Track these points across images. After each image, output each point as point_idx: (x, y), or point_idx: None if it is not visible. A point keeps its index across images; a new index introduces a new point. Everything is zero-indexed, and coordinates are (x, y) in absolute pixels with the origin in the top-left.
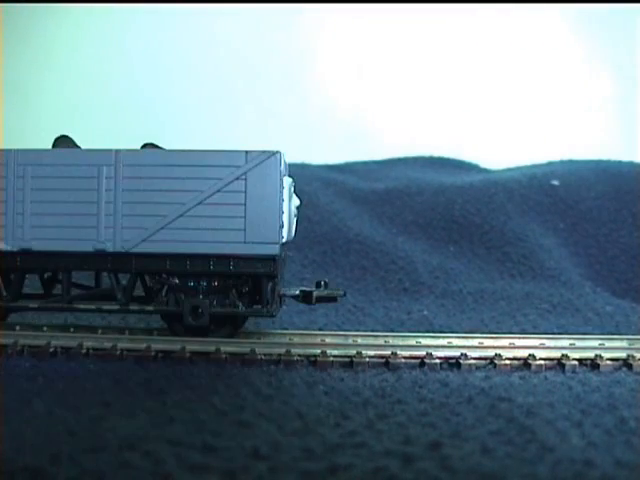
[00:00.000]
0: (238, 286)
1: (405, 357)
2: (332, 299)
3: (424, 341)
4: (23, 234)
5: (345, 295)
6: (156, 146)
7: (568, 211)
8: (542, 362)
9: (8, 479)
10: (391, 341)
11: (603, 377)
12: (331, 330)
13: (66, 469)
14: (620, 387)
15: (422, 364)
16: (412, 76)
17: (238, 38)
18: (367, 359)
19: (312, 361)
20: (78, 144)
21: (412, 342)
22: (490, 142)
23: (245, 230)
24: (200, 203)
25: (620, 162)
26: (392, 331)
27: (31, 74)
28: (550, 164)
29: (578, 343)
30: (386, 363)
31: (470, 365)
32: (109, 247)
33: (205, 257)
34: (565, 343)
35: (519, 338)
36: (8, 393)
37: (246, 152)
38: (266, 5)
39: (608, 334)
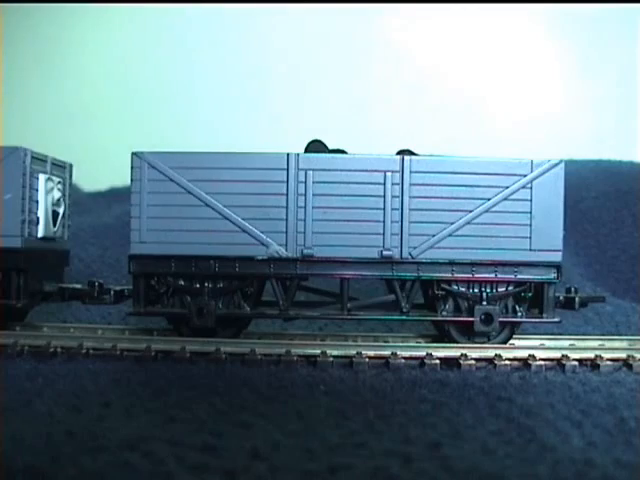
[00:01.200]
0: (519, 293)
1: (405, 357)
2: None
3: (424, 341)
4: (305, 240)
5: (604, 300)
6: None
7: (568, 211)
8: (542, 362)
9: (8, 479)
10: (391, 341)
11: (603, 377)
12: (331, 330)
13: (66, 469)
14: (620, 387)
15: (422, 364)
16: (412, 75)
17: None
18: (367, 359)
19: (312, 361)
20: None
21: (412, 342)
22: (490, 142)
23: (531, 238)
24: (487, 211)
25: (620, 162)
26: (392, 331)
27: (31, 74)
28: None
29: (578, 343)
30: (386, 363)
31: (470, 365)
32: (396, 254)
33: (490, 265)
34: (565, 343)
35: (519, 338)
36: (8, 393)
37: (532, 161)
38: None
39: (608, 334)
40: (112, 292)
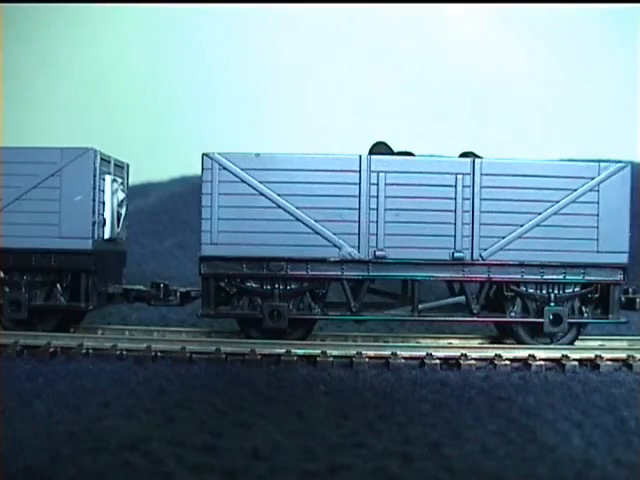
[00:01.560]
0: (586, 294)
1: (405, 357)
2: None
3: (424, 341)
4: (377, 242)
5: None
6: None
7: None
8: (542, 362)
9: (8, 479)
10: (391, 341)
11: (603, 377)
12: (331, 330)
13: (66, 469)
14: (620, 387)
15: (422, 364)
16: (416, 76)
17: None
18: (367, 359)
19: (312, 361)
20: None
21: (412, 342)
22: (490, 142)
23: (598, 240)
24: (555, 213)
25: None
26: (392, 331)
27: (31, 74)
28: None
29: (578, 343)
30: (386, 363)
31: (470, 365)
32: (467, 256)
33: (559, 266)
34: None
35: None
36: (8, 393)
37: (599, 164)
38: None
39: (608, 334)
40: (178, 293)
